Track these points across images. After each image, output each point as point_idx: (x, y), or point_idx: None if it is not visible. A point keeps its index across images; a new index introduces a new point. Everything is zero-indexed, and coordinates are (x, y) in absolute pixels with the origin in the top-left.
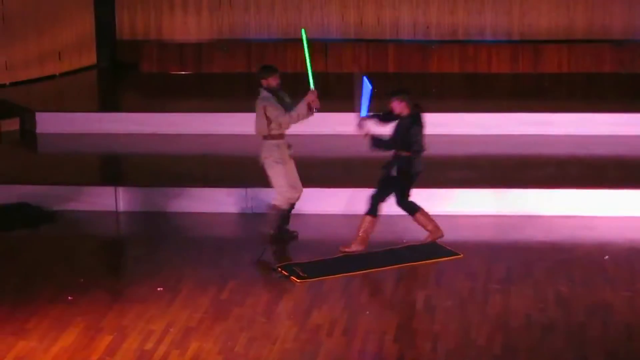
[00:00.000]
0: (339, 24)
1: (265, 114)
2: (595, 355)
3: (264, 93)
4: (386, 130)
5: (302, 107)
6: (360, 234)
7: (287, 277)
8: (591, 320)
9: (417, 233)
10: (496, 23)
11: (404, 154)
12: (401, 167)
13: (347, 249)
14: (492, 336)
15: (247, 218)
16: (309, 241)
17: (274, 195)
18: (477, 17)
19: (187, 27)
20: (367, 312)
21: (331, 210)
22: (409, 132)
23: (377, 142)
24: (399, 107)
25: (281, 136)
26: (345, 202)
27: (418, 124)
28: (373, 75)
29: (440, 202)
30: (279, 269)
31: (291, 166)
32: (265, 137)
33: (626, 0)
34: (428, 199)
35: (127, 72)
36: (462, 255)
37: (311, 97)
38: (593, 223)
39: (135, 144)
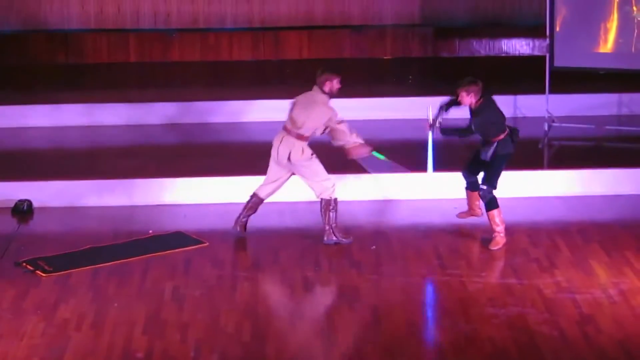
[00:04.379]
0: (79, 14)
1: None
2: (344, 339)
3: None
4: None
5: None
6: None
7: (33, 272)
8: (338, 304)
9: (166, 223)
10: (236, 11)
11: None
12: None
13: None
14: (241, 324)
15: None
16: (55, 234)
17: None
18: (217, 6)
19: None
20: (115, 304)
21: (77, 203)
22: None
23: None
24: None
25: None
26: (86, 194)
27: None
28: (114, 65)
29: (187, 191)
30: (24, 264)
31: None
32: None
33: None
34: (172, 189)
35: None
36: (207, 243)
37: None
38: (342, 209)
39: None
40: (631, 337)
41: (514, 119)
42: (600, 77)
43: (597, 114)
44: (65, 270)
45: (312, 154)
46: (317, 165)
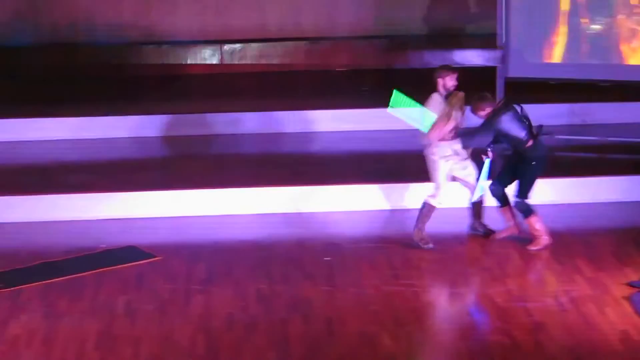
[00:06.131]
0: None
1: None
2: (298, 351)
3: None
4: None
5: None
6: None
7: None
8: (292, 316)
9: (116, 237)
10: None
11: None
12: None
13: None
14: (194, 337)
15: None
16: (5, 250)
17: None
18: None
19: None
20: (67, 320)
21: (27, 218)
22: None
23: None
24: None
25: None
26: (40, 209)
27: None
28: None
29: (139, 205)
30: None
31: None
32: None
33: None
34: (123, 202)
35: None
36: (160, 257)
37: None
38: (295, 221)
39: None
40: (582, 344)
41: None
42: (552, 87)
43: (549, 124)
44: (16, 286)
45: (436, 157)
46: (434, 170)
